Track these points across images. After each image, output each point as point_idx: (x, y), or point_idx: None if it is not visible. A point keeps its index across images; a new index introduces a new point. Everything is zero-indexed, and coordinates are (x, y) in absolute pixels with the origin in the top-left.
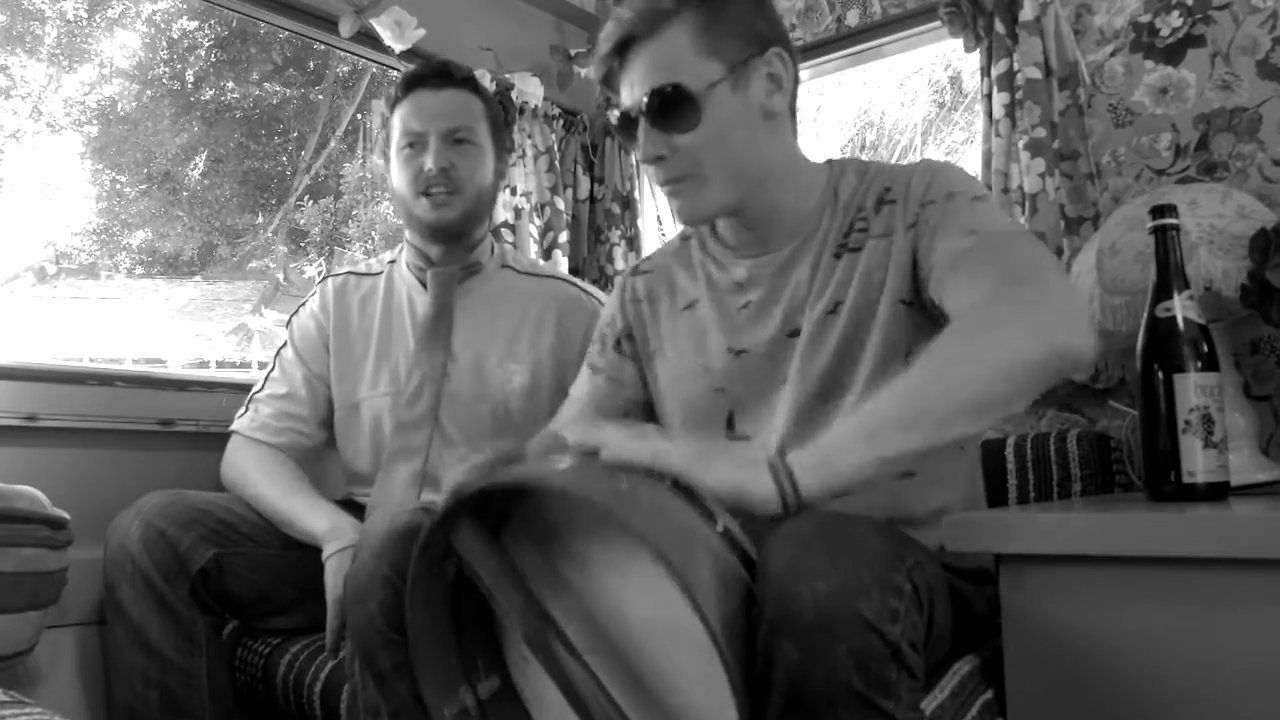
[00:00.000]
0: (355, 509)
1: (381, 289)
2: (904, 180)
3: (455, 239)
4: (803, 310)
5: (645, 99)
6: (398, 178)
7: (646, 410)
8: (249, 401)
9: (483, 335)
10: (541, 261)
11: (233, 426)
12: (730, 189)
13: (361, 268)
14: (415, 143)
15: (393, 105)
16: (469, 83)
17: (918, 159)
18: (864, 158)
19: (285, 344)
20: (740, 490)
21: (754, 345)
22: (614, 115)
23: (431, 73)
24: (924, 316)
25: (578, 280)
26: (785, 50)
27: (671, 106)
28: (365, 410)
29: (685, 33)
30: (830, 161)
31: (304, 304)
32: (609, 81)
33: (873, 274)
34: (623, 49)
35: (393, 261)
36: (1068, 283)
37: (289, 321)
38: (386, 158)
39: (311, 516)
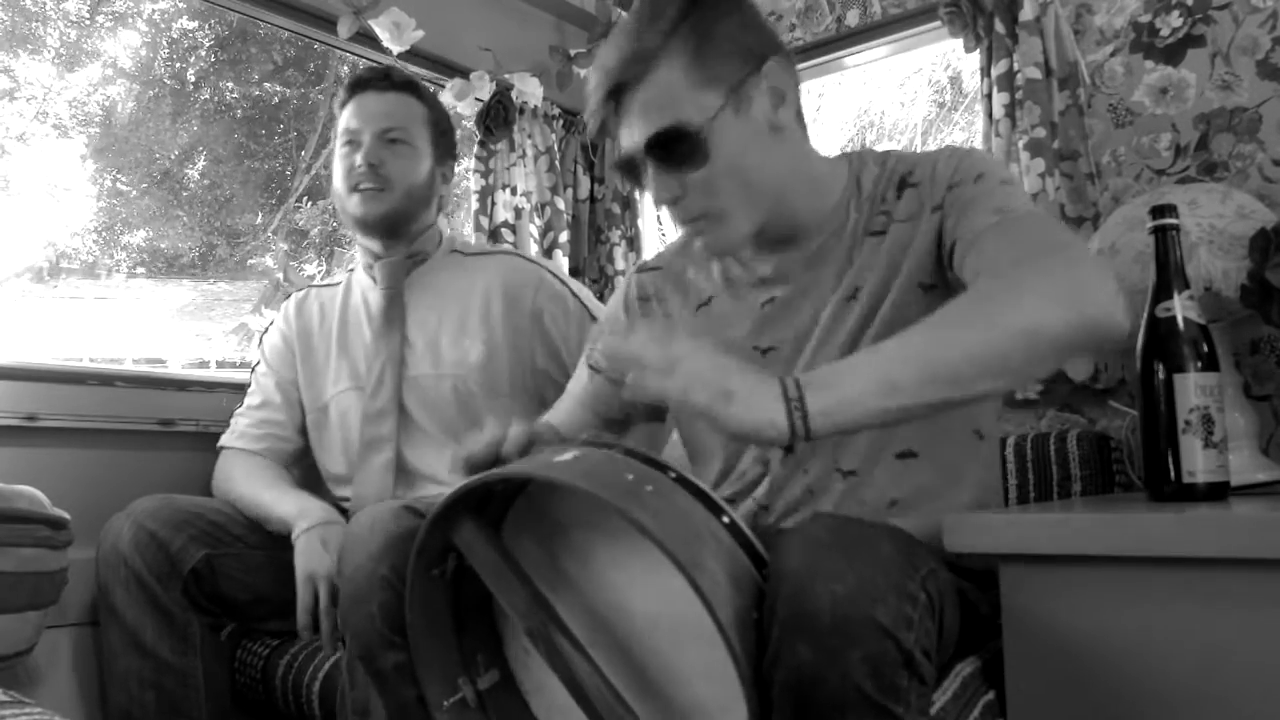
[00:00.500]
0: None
1: (340, 295)
2: (928, 164)
3: (389, 234)
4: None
5: (646, 143)
6: (335, 175)
7: (649, 409)
8: (232, 420)
9: (435, 316)
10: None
11: (219, 444)
12: (752, 215)
13: (324, 282)
14: (352, 140)
15: (342, 107)
16: (411, 87)
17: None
18: (880, 148)
19: (258, 362)
20: (758, 431)
21: (781, 342)
22: (616, 161)
23: (375, 76)
24: (943, 299)
25: (524, 253)
26: (781, 57)
27: (676, 146)
28: (333, 410)
29: (676, 68)
30: (848, 154)
31: (271, 324)
32: (605, 130)
33: (894, 257)
34: (615, 96)
35: (352, 270)
36: (1097, 258)
37: (259, 342)
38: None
39: (281, 504)
